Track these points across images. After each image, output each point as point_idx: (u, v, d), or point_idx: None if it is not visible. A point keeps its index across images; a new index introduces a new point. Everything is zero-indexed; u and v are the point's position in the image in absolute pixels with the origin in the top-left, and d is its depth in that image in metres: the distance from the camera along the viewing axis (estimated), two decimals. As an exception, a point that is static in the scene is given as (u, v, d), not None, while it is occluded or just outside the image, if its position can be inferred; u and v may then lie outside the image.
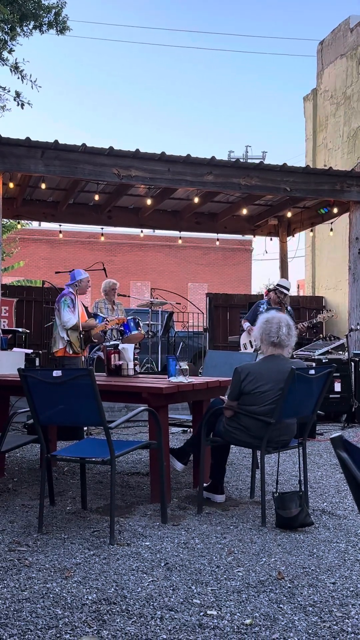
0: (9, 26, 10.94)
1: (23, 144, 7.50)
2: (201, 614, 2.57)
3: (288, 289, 7.98)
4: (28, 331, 10.14)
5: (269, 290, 10.18)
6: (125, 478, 5.01)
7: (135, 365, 5.35)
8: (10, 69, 11.43)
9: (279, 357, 4.00)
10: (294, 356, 8.63)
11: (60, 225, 11.08)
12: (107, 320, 7.26)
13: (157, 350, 11.20)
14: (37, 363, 8.56)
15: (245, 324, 7.76)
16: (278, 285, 7.94)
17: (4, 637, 2.36)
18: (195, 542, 3.45)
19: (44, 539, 3.47)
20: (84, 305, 7.22)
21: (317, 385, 4.05)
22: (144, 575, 2.97)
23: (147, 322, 10.01)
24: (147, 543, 3.42)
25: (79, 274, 6.97)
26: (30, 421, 6.06)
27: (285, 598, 2.72)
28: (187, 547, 3.35)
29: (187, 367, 4.56)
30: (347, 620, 2.52)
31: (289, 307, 8.10)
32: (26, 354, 7.91)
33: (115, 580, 2.90)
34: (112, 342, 6.71)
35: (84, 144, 7.66)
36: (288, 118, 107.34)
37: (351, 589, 2.84)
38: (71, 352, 6.75)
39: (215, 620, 2.51)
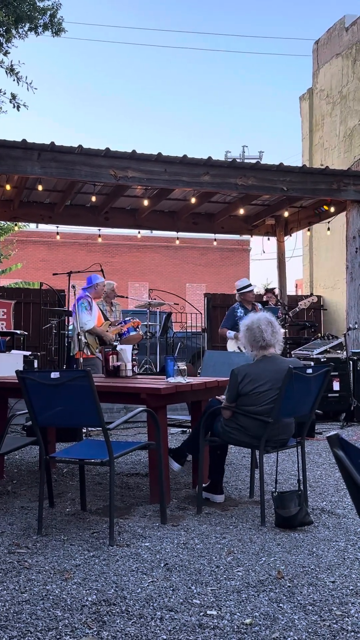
0: (4, 28, 10.94)
1: (19, 146, 7.50)
2: (201, 614, 2.57)
3: (249, 285, 8.02)
4: (26, 333, 10.13)
5: (266, 291, 10.20)
6: (125, 479, 5.01)
7: (133, 366, 5.35)
8: (6, 71, 11.44)
9: (273, 356, 4.01)
10: (292, 355, 8.64)
11: (57, 227, 11.07)
12: (122, 323, 7.32)
13: (155, 351, 11.20)
14: (35, 365, 8.56)
15: (229, 333, 7.76)
16: (240, 290, 7.97)
17: (4, 639, 2.36)
18: (194, 542, 3.45)
19: (44, 541, 3.47)
20: (100, 309, 7.31)
21: (314, 384, 4.06)
22: (144, 576, 2.97)
23: (146, 323, 10.01)
24: (146, 544, 3.42)
25: (95, 278, 7.16)
26: (28, 423, 6.06)
27: (285, 597, 2.72)
28: (187, 548, 3.36)
29: (185, 367, 4.57)
30: (347, 619, 2.52)
31: (259, 305, 8.17)
32: (24, 356, 7.90)
33: (115, 581, 2.90)
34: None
35: (80, 146, 7.67)
36: (284, 118, 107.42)
37: (351, 587, 2.84)
38: (89, 353, 6.83)
39: (215, 620, 2.51)
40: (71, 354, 7.19)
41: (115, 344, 6.52)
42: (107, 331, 7.09)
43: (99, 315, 7.04)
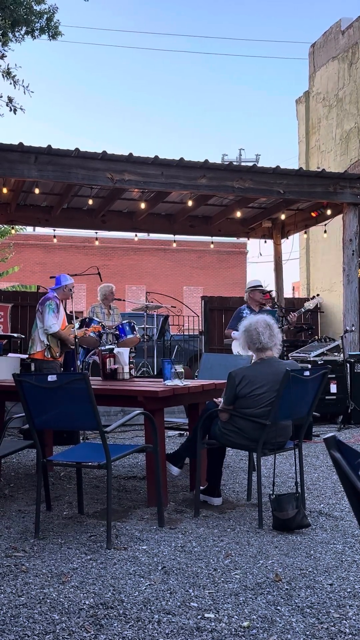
0: (0, 32, 10.94)
1: (16, 149, 7.50)
2: (199, 617, 2.57)
3: (260, 286, 7.89)
4: (23, 336, 10.12)
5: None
6: (122, 482, 5.00)
7: (130, 368, 5.34)
8: (2, 75, 11.44)
9: (271, 359, 4.01)
10: (289, 357, 8.64)
11: (54, 230, 11.07)
12: (86, 329, 7.23)
13: (152, 354, 11.20)
14: (32, 368, 8.54)
15: (234, 333, 7.67)
16: (251, 287, 7.84)
17: (1, 643, 2.35)
18: (192, 545, 3.45)
19: (41, 544, 3.46)
20: (65, 312, 7.20)
21: (312, 387, 4.06)
22: (141, 579, 2.96)
23: (143, 326, 10.01)
24: (144, 547, 3.41)
25: (65, 279, 6.95)
26: (25, 426, 6.04)
27: (282, 600, 2.72)
28: (184, 551, 3.35)
29: (182, 370, 4.57)
30: (344, 622, 2.52)
31: (268, 307, 8.02)
32: (21, 359, 7.90)
33: (112, 584, 2.90)
34: (107, 346, 6.70)
35: (77, 149, 7.67)
36: (281, 121, 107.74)
37: (348, 590, 2.84)
38: (49, 356, 6.74)
39: (213, 623, 2.50)
40: (29, 353, 7.11)
41: (112, 346, 6.51)
42: (69, 335, 6.94)
43: (63, 318, 6.95)
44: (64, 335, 6.79)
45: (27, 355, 8.58)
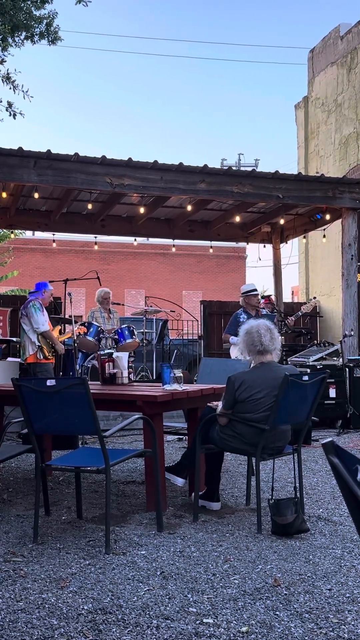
0: (0, 37, 10.97)
1: (16, 154, 7.51)
2: (197, 622, 2.56)
3: (255, 290, 7.96)
4: (23, 340, 10.11)
5: (263, 298, 10.20)
6: (121, 487, 5.00)
7: (129, 373, 5.34)
8: (2, 80, 11.47)
9: (270, 363, 4.01)
10: (289, 362, 8.64)
11: (53, 235, 11.08)
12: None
13: (151, 358, 11.20)
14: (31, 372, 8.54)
15: (232, 339, 7.71)
16: (244, 293, 7.90)
17: (0, 648, 2.34)
18: (191, 550, 3.44)
19: (40, 549, 3.45)
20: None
21: (311, 391, 4.06)
22: (140, 584, 2.96)
23: (142, 330, 10.02)
24: (142, 552, 3.41)
25: (44, 286, 7.14)
26: (24, 431, 6.03)
27: (281, 605, 2.72)
28: (183, 556, 3.35)
29: (181, 374, 4.56)
30: (343, 627, 2.51)
31: (264, 311, 8.12)
32: (20, 364, 7.89)
33: (111, 589, 2.89)
34: (106, 351, 6.71)
35: (76, 154, 7.68)
36: (280, 126, 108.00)
37: (347, 595, 2.83)
38: (42, 357, 6.75)
39: (212, 629, 2.50)
40: (22, 359, 7.13)
41: (111, 351, 6.51)
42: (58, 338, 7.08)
43: (48, 321, 7.04)
44: (53, 337, 6.87)
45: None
